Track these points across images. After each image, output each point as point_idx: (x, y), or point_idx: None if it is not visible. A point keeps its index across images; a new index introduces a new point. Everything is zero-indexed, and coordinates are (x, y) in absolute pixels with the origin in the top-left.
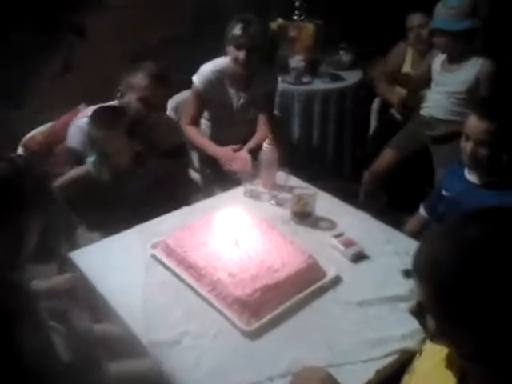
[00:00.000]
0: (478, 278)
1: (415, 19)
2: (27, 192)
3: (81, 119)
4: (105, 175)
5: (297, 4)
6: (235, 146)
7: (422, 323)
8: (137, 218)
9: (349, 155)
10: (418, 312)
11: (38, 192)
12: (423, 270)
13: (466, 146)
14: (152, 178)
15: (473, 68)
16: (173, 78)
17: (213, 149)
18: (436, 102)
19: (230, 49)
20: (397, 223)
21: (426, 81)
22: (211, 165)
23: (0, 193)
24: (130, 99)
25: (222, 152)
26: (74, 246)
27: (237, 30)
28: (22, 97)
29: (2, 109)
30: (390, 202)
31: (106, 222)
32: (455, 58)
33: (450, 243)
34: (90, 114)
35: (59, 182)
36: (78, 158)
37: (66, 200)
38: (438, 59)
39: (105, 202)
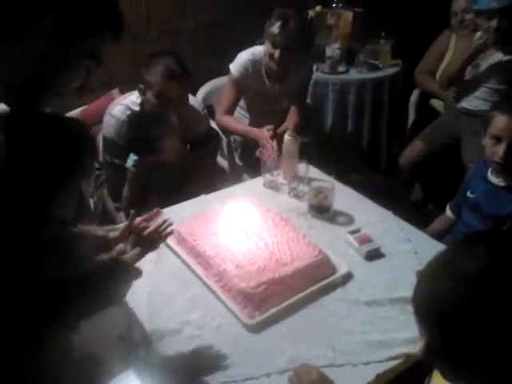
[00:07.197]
0: (488, 313)
1: (460, 3)
2: (89, 152)
3: (117, 108)
4: (147, 173)
5: None
6: (269, 127)
7: (435, 365)
8: (162, 204)
9: (385, 148)
10: (429, 355)
11: (93, 153)
12: (427, 313)
13: (497, 150)
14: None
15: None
16: (201, 66)
17: (251, 131)
18: (469, 93)
19: (267, 44)
20: (429, 221)
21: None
22: (241, 153)
23: (79, 147)
24: (148, 97)
25: (259, 133)
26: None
27: (275, 28)
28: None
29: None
30: (427, 198)
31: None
32: (499, 41)
33: (451, 281)
34: (123, 103)
35: (125, 203)
36: (113, 147)
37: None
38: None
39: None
